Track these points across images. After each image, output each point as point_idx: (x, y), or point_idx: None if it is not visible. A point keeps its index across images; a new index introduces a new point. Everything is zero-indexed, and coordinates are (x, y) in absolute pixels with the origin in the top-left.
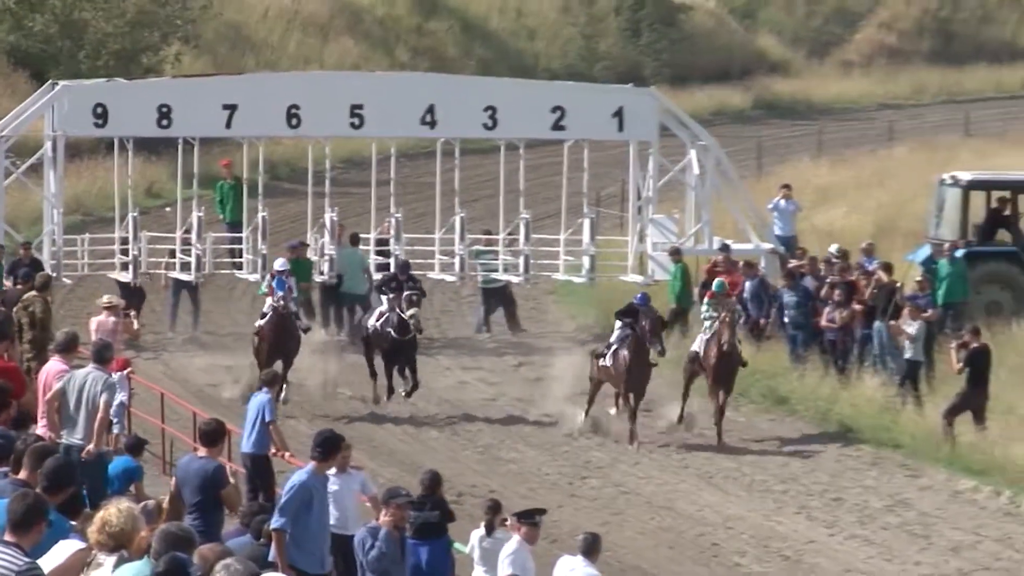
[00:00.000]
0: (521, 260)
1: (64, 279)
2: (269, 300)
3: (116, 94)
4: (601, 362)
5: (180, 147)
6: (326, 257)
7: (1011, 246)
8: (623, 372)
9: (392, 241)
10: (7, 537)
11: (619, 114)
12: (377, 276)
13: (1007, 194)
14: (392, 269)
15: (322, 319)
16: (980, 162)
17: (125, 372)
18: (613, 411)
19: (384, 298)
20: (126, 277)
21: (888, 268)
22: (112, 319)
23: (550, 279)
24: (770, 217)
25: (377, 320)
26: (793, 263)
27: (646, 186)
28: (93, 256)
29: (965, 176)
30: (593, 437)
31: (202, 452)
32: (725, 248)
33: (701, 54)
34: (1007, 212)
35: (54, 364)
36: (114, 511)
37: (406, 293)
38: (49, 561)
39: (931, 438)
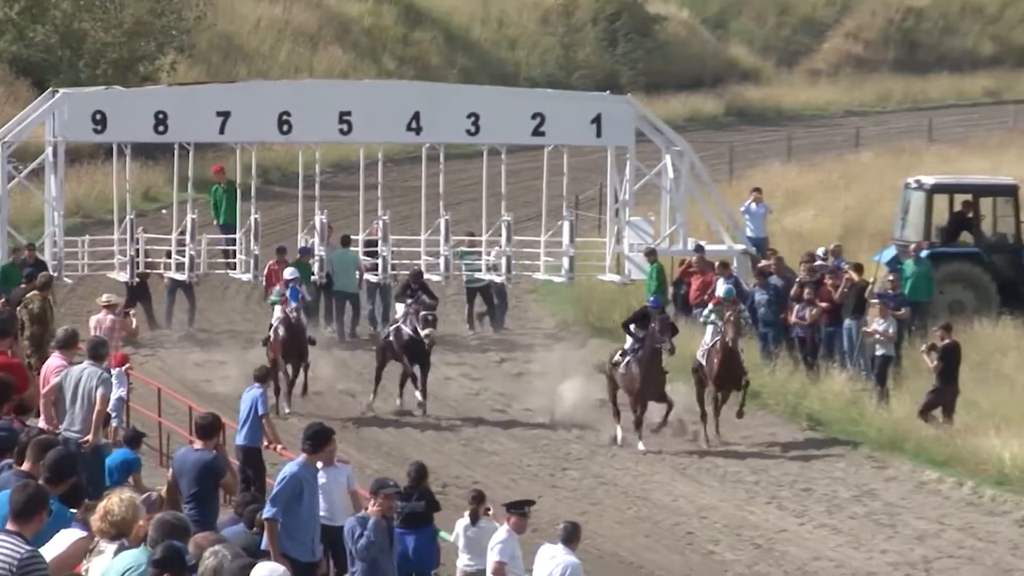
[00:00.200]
0: (503, 260)
1: (65, 279)
2: (278, 309)
3: (114, 101)
4: (619, 370)
5: (176, 152)
6: (316, 257)
7: (973, 247)
8: (637, 381)
9: (380, 242)
10: (9, 526)
11: (597, 120)
12: (368, 276)
13: (969, 197)
14: (408, 277)
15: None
16: (943, 167)
17: (123, 368)
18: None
19: (401, 306)
20: (124, 277)
21: (859, 268)
22: (110, 317)
23: (531, 279)
24: (742, 219)
25: (392, 326)
26: (763, 263)
27: (623, 190)
28: (92, 257)
29: (929, 180)
30: (586, 434)
31: (198, 445)
32: (699, 249)
33: (675, 63)
34: (969, 215)
35: (54, 360)
36: (116, 500)
37: (422, 313)
38: (51, 550)
39: (897, 431)
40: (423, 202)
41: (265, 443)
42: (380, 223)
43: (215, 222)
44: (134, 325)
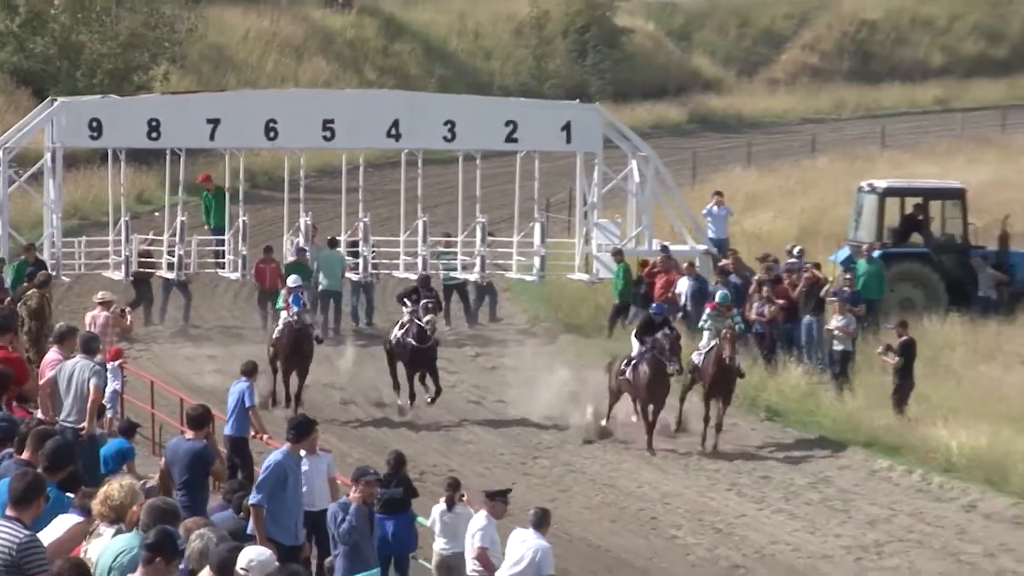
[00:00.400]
0: (477, 260)
1: (63, 277)
2: (284, 314)
3: (110, 109)
4: (622, 376)
5: (168, 158)
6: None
7: (923, 248)
8: (644, 386)
9: (361, 243)
10: (9, 512)
11: (567, 128)
12: (350, 275)
13: (919, 200)
14: (414, 282)
15: None
16: (895, 171)
17: (118, 362)
18: (634, 418)
19: (405, 308)
20: (119, 275)
21: (818, 267)
22: (104, 314)
23: (504, 277)
24: (704, 221)
25: (399, 330)
26: (723, 262)
27: (591, 193)
28: (89, 257)
29: (881, 184)
30: (557, 424)
31: (189, 435)
32: (664, 249)
33: (641, 73)
34: (919, 217)
35: (51, 355)
36: (116, 487)
37: (423, 301)
38: (49, 534)
39: (850, 421)
40: (402, 205)
41: (252, 433)
42: (361, 224)
43: (206, 227)
44: (128, 322)
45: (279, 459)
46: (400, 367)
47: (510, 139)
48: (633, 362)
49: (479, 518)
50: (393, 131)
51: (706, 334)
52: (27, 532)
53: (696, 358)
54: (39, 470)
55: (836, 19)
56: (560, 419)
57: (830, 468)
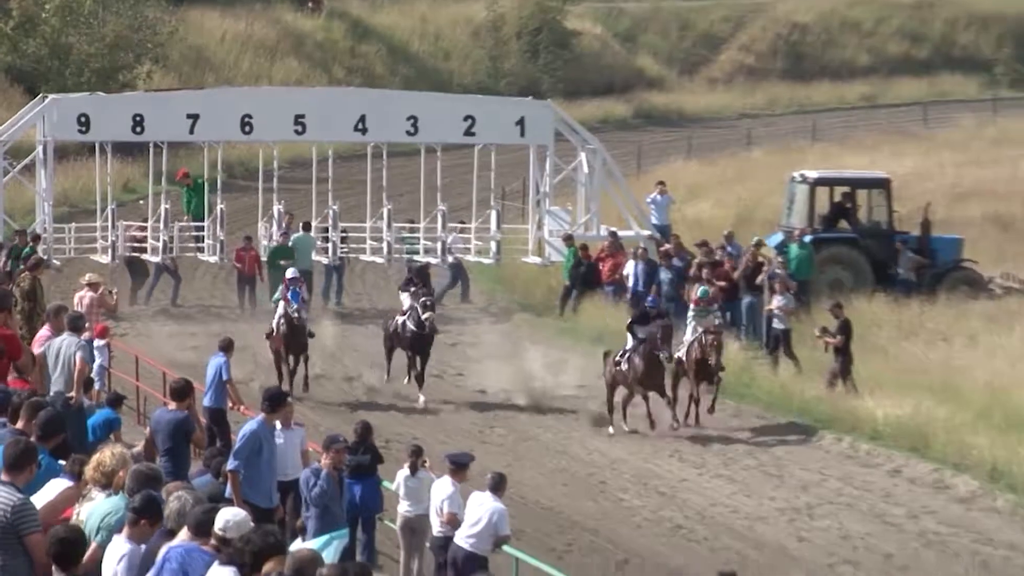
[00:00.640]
0: (439, 245)
1: (54, 261)
2: (280, 307)
3: (97, 105)
4: (617, 368)
5: (151, 150)
6: (274, 241)
7: (851, 233)
8: (638, 376)
9: (330, 228)
10: (3, 477)
11: (521, 123)
12: (320, 258)
13: (847, 189)
14: (409, 273)
15: (271, 292)
16: (825, 163)
17: (105, 340)
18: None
19: (405, 297)
20: (106, 259)
21: (760, 244)
22: (90, 295)
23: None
24: (648, 209)
25: (402, 317)
26: (666, 247)
27: (543, 183)
28: (78, 242)
29: (812, 174)
30: (513, 398)
31: (172, 406)
32: (613, 235)
33: (589, 72)
34: (847, 205)
35: (42, 332)
36: (108, 454)
37: (422, 299)
38: (41, 497)
39: (783, 393)
40: (368, 194)
41: (230, 404)
42: (331, 212)
43: (186, 217)
44: (113, 302)
45: (254, 428)
46: (399, 353)
47: (468, 133)
48: (627, 355)
49: (445, 484)
50: (360, 125)
51: (689, 328)
52: (21, 495)
53: (681, 352)
54: (32, 439)
55: (770, 22)
56: (513, 391)
57: (765, 436)
